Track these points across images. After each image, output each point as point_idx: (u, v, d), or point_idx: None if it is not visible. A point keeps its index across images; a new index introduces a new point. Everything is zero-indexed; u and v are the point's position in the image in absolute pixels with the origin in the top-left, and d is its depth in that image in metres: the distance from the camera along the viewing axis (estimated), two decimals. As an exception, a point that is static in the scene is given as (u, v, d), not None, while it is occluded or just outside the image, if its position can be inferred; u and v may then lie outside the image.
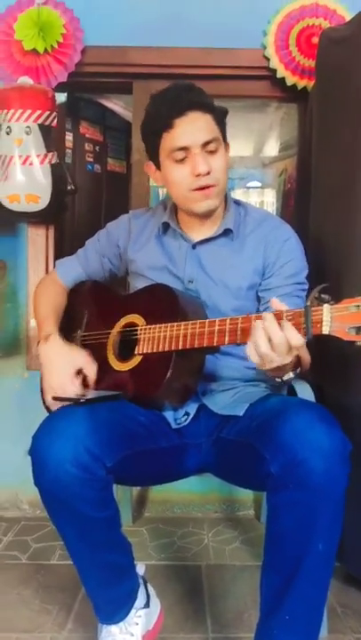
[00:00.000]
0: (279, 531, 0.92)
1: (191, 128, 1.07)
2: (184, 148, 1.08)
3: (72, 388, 1.07)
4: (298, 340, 0.85)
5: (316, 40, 1.59)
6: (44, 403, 1.20)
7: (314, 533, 0.88)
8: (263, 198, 3.98)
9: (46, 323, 1.20)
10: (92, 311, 1.28)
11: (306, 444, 0.87)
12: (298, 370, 0.99)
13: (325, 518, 0.88)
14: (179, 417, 1.12)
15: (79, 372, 1.10)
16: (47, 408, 1.16)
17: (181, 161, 1.09)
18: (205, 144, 1.08)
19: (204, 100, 1.09)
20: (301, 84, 1.67)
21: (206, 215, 1.16)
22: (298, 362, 0.99)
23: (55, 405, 1.06)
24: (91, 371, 1.11)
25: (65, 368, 1.09)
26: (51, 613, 1.29)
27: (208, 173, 1.09)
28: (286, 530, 0.90)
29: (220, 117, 1.13)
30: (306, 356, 1.04)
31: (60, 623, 1.26)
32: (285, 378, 0.97)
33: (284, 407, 0.98)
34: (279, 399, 1.06)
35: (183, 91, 1.09)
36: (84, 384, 1.11)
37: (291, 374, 0.96)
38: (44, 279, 1.38)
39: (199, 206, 1.13)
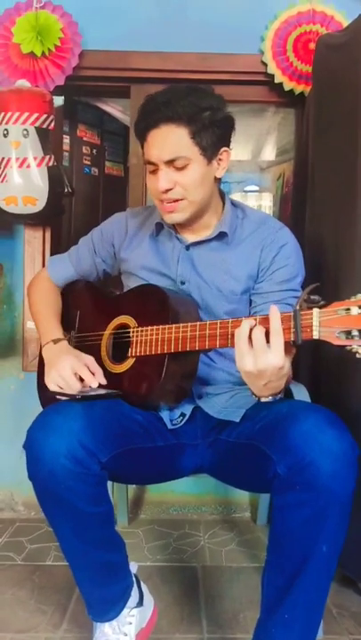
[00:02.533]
0: (284, 531, 0.91)
1: (159, 144, 1.05)
2: (152, 162, 1.08)
3: (75, 382, 1.06)
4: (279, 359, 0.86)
5: (313, 46, 1.62)
6: (40, 400, 1.20)
7: (319, 535, 0.88)
8: (261, 202, 4.01)
9: (51, 325, 1.22)
10: (83, 312, 1.28)
11: (315, 446, 0.87)
12: (278, 396, 0.99)
13: (332, 521, 0.88)
14: (174, 417, 1.13)
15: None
16: (43, 406, 1.16)
17: (153, 172, 1.09)
18: (170, 162, 1.06)
19: (180, 113, 1.03)
20: (299, 89, 1.69)
21: (181, 225, 1.16)
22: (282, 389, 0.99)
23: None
24: (89, 376, 1.09)
25: (73, 363, 1.08)
26: (46, 614, 1.29)
27: (169, 190, 1.07)
28: (292, 530, 0.90)
29: (204, 128, 1.05)
30: (290, 372, 1.01)
31: (55, 623, 1.26)
32: (263, 400, 0.98)
33: (291, 410, 0.97)
34: (285, 402, 1.05)
35: (162, 104, 1.04)
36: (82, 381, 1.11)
37: (270, 398, 0.96)
38: (36, 278, 1.37)
39: (166, 218, 1.13)
